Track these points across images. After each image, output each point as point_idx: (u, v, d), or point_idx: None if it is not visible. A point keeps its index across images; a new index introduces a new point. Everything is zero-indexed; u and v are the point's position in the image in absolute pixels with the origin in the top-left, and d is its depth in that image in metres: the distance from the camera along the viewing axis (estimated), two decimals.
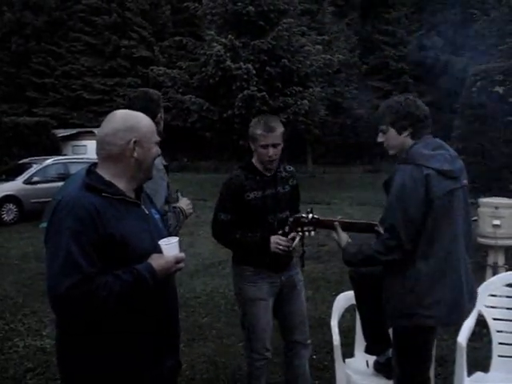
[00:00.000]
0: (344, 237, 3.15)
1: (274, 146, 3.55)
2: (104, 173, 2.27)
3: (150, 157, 2.33)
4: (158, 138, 2.38)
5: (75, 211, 2.12)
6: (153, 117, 3.13)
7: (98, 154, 2.31)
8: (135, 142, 2.25)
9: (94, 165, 2.34)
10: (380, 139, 3.11)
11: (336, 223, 3.20)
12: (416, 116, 2.98)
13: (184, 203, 3.45)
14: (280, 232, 3.44)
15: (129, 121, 2.29)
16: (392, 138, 3.05)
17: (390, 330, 3.45)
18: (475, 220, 5.51)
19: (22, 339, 5.78)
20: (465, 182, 2.99)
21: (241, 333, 4.13)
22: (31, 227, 13.67)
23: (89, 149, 24.44)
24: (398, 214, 2.82)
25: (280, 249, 3.45)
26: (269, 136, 3.53)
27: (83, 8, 37.11)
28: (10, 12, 35.87)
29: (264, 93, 20.93)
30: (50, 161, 16.46)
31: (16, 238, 12.45)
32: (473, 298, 3.10)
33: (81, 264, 2.06)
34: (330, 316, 3.92)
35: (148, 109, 3.10)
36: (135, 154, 2.26)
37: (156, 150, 2.36)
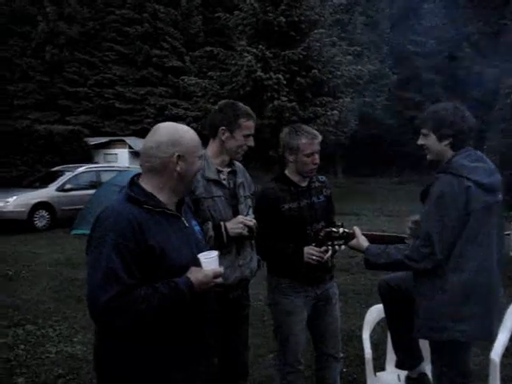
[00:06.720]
0: (364, 239, 3.13)
1: (317, 152, 3.59)
2: (146, 184, 2.31)
3: (193, 171, 2.36)
4: (201, 152, 2.40)
5: (117, 223, 2.17)
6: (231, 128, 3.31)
7: (141, 165, 2.36)
8: (178, 156, 2.28)
9: (137, 175, 2.38)
10: (420, 141, 3.08)
11: (355, 227, 3.20)
12: (460, 127, 2.94)
13: (231, 221, 3.30)
14: (314, 244, 3.44)
15: (173, 134, 2.32)
16: (431, 144, 3.01)
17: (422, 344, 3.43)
18: (508, 234, 5.44)
19: (53, 345, 5.87)
20: (500, 196, 2.97)
21: (272, 344, 4.13)
22: (63, 234, 13.89)
23: (119, 157, 24.75)
24: (435, 222, 2.79)
25: (313, 259, 3.45)
26: (314, 143, 3.59)
27: (116, 18, 37.53)
28: (44, 22, 36.49)
29: (294, 103, 20.91)
30: (82, 168, 16.77)
31: (48, 245, 12.63)
32: (501, 314, 3.08)
33: (121, 276, 2.11)
34: (360, 328, 3.90)
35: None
36: (178, 168, 2.29)
37: (199, 164, 2.38)
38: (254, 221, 3.38)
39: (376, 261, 3.01)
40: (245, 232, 3.30)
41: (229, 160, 3.50)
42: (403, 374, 3.61)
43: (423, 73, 32.70)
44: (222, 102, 3.65)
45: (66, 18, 37.04)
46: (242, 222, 3.30)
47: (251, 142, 3.48)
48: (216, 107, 3.58)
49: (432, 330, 2.93)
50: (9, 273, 9.45)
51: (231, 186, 3.47)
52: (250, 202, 3.58)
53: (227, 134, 3.40)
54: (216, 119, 3.44)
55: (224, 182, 3.43)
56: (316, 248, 3.44)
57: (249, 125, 3.45)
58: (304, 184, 3.70)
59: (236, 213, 3.40)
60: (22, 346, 5.81)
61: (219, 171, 3.42)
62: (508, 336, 3.57)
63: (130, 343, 2.22)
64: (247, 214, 3.46)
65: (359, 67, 24.66)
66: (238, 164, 3.61)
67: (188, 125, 2.47)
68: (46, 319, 6.75)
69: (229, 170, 3.51)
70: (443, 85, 31.83)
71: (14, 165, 19.04)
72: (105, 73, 36.93)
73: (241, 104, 3.53)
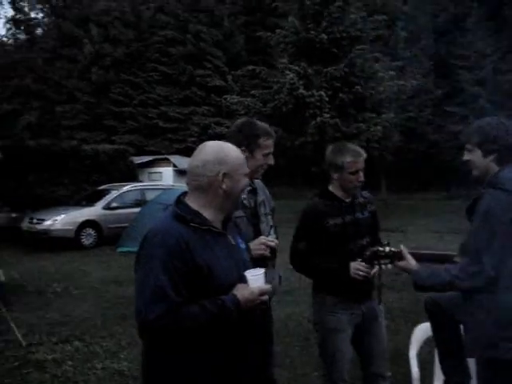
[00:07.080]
0: (411, 258, 3.08)
1: (362, 170, 3.59)
2: (192, 202, 2.34)
3: (239, 188, 2.38)
4: (247, 170, 2.43)
5: (165, 241, 2.19)
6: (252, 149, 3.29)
7: (188, 184, 2.38)
8: (224, 174, 2.31)
9: (184, 194, 2.41)
10: (465, 157, 3.03)
11: (402, 246, 3.16)
12: (505, 142, 2.88)
13: (253, 243, 3.22)
14: (360, 259, 3.41)
15: (219, 153, 2.34)
16: (476, 160, 2.96)
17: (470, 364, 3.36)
18: None
19: (100, 361, 5.91)
20: None
21: (316, 362, 4.09)
22: (109, 251, 14.10)
23: (164, 175, 25.07)
24: (483, 239, 2.73)
25: (360, 275, 3.42)
26: (359, 161, 3.58)
27: (159, 39, 38.33)
28: (90, 44, 37.52)
29: (337, 119, 20.88)
30: (127, 187, 17.06)
31: (95, 262, 12.82)
32: None
33: (169, 294, 2.13)
34: (405, 347, 3.84)
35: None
36: (224, 186, 2.31)
37: (245, 181, 2.41)
38: (276, 241, 3.35)
39: (424, 283, 2.96)
40: (267, 253, 3.26)
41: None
42: None
43: (467, 86, 32.23)
44: (240, 121, 3.59)
45: (111, 40, 38.04)
46: (263, 243, 3.26)
47: (271, 161, 3.44)
48: (234, 127, 3.51)
49: (481, 349, 2.86)
50: (57, 290, 9.63)
51: (252, 205, 3.45)
52: (270, 219, 3.55)
53: (247, 154, 3.31)
54: (235, 139, 3.33)
55: (245, 202, 3.40)
56: (363, 263, 3.40)
57: (268, 144, 3.40)
58: (348, 199, 3.69)
59: (257, 232, 3.38)
60: (70, 362, 5.89)
61: None
62: None
63: (178, 358, 2.23)
64: (269, 234, 3.44)
65: (402, 82, 24.48)
66: (257, 181, 3.58)
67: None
68: (93, 336, 6.83)
69: (249, 188, 3.46)
70: (488, 98, 31.29)
71: (62, 184, 19.41)
72: (149, 93, 37.65)
73: (259, 123, 3.48)
